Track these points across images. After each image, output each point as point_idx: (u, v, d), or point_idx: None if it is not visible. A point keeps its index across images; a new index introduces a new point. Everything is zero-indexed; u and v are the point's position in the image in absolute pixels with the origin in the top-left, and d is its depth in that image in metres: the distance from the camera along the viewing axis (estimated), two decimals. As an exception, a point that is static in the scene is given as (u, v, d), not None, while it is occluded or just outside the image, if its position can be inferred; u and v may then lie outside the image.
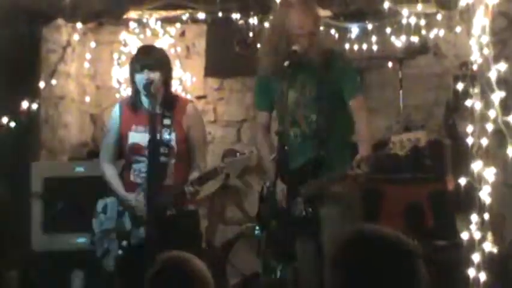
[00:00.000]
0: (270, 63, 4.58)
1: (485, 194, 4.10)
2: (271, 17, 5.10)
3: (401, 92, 6.47)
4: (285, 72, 4.47)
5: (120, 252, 4.71)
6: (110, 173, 4.83)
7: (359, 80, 4.82)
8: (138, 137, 4.73)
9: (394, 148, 4.24)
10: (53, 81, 6.80)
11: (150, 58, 4.68)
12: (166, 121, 4.69)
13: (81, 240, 5.56)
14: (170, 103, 4.76)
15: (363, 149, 4.39)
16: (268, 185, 4.62)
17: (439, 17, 6.57)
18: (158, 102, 4.57)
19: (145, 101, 4.75)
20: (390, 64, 6.82)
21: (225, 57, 7.34)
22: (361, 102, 4.60)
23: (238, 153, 4.64)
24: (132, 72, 4.72)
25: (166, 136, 4.66)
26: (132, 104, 4.81)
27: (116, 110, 4.88)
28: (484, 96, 4.14)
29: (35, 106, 6.43)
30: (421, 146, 4.25)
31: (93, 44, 7.22)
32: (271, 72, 4.60)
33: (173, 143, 4.71)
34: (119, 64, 6.82)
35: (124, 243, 4.72)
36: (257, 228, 6.08)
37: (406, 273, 2.20)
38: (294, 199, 4.56)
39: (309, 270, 4.75)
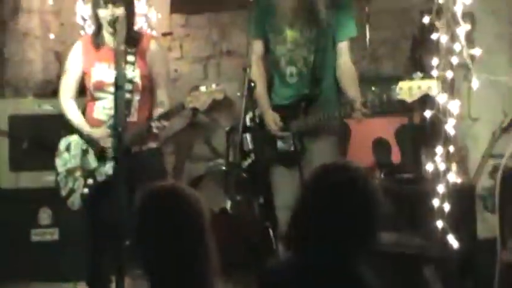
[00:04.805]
0: None
1: (450, 127, 4.15)
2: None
3: (367, 26, 6.46)
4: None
5: (86, 190, 4.72)
6: (72, 109, 4.81)
7: (354, 25, 4.82)
8: (102, 73, 4.71)
9: (402, 93, 4.23)
10: (16, 18, 6.69)
11: None
12: (130, 58, 4.67)
13: (48, 177, 5.55)
14: (133, 39, 4.74)
15: (353, 90, 4.59)
16: (252, 117, 4.66)
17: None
18: (122, 39, 4.51)
19: (107, 37, 4.72)
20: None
21: (191, -7, 7.27)
22: (347, 46, 4.75)
23: (204, 88, 4.60)
24: (95, 8, 4.68)
25: (130, 72, 4.64)
26: (95, 41, 4.78)
27: (76, 48, 4.85)
28: (450, 29, 4.17)
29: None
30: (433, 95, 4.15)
31: (56, -21, 7.10)
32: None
33: (137, 79, 4.70)
34: (83, 0, 6.70)
35: (90, 181, 4.72)
36: (224, 164, 6.11)
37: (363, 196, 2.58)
38: (284, 132, 4.66)
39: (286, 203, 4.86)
